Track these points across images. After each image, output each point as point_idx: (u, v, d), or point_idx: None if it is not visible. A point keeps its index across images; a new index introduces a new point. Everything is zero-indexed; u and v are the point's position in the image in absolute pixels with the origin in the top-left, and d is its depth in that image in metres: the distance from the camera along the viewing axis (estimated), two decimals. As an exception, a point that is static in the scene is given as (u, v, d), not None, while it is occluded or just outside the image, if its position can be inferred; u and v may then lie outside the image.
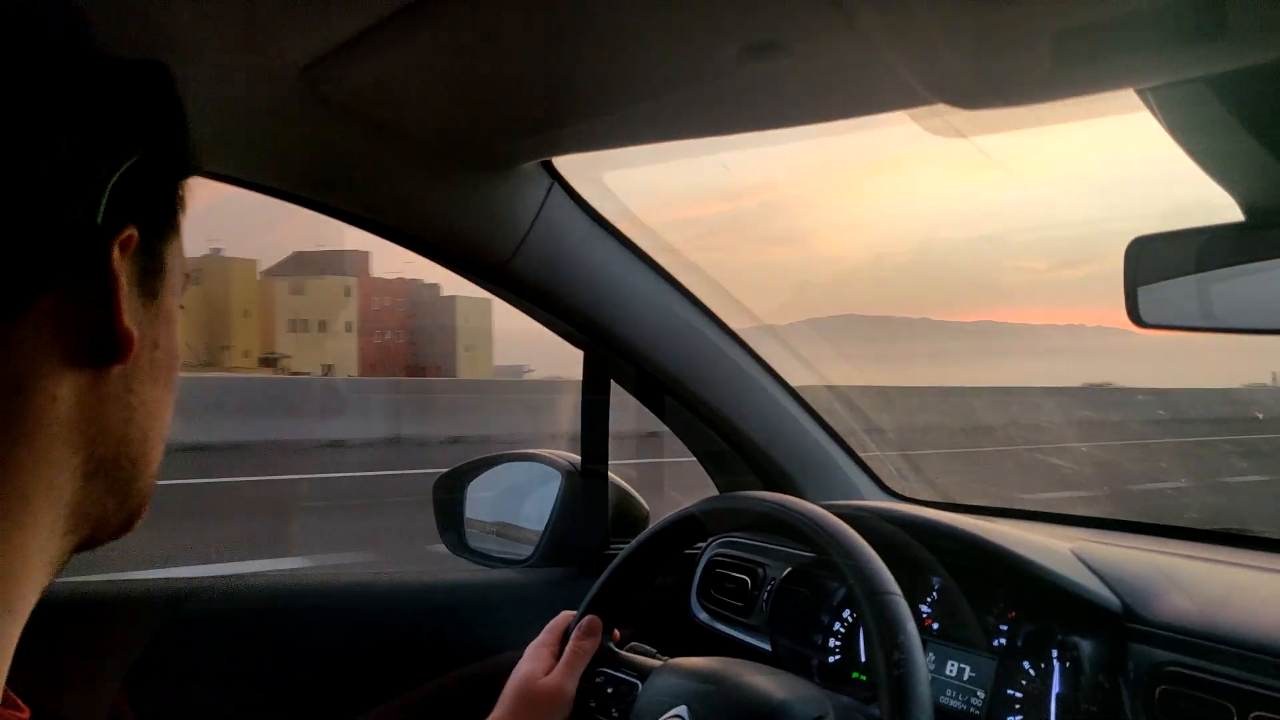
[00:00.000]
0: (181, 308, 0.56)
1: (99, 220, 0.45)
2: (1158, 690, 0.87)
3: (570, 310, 1.20)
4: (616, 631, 0.98)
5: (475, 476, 1.44)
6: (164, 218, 0.52)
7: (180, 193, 0.53)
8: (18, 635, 0.47)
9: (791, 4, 0.61)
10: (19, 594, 0.46)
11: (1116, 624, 0.94)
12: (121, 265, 0.46)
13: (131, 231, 0.47)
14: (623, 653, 0.93)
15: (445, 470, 1.45)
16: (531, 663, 0.97)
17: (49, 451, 0.46)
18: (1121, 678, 0.91)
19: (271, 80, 0.84)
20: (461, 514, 1.42)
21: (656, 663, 0.90)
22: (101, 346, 0.46)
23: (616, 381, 1.34)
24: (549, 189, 1.13)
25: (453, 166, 1.05)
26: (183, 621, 1.07)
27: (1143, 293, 0.79)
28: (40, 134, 0.44)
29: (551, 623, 1.01)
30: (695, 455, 1.42)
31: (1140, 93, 0.58)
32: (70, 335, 0.45)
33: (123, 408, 0.49)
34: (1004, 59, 0.56)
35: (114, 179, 0.46)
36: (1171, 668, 0.87)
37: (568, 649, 0.95)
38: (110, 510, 0.51)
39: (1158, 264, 0.78)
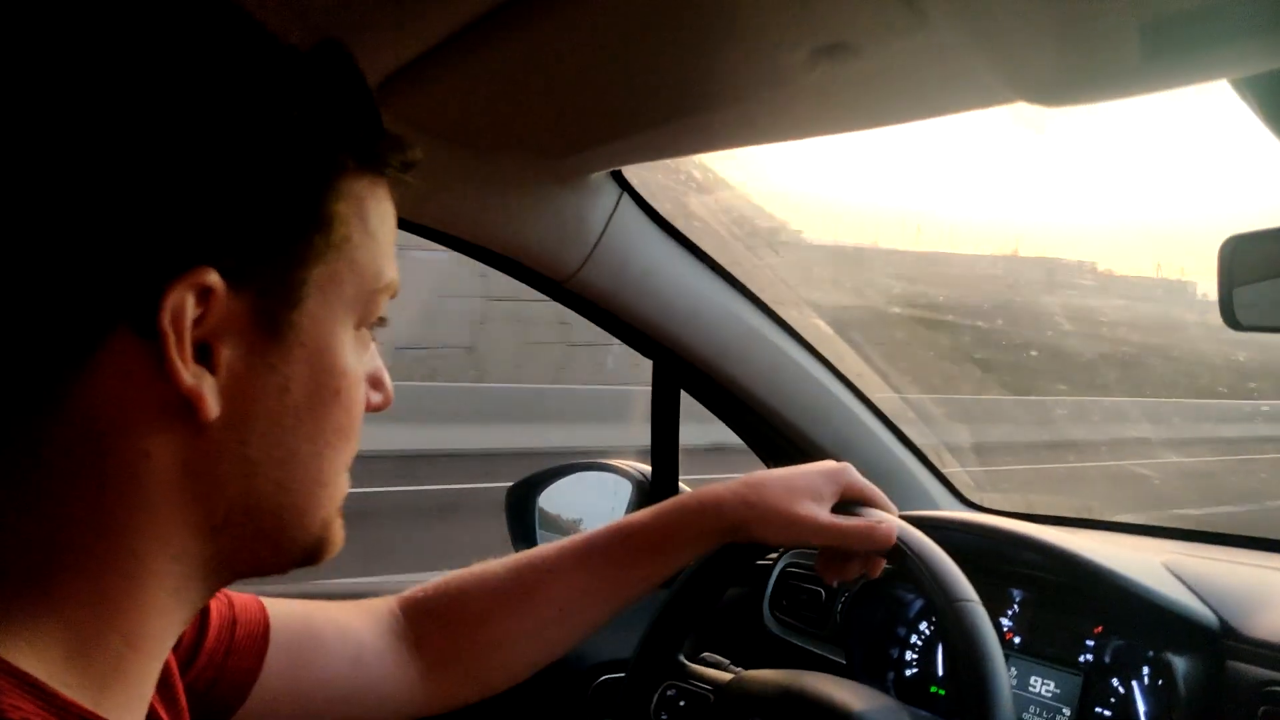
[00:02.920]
0: (381, 321, 0.52)
1: (139, 263, 0.41)
2: (1260, 710, 0.83)
3: (639, 319, 1.20)
4: None
5: (547, 486, 1.45)
6: (290, 239, 0.45)
7: (331, 203, 0.46)
8: (158, 669, 0.47)
9: (863, 4, 0.60)
10: (156, 638, 0.46)
11: (1214, 641, 0.89)
12: (185, 318, 0.41)
13: (204, 278, 0.41)
14: (693, 665, 0.92)
15: (516, 480, 1.46)
16: (824, 484, 0.82)
17: (154, 508, 0.43)
18: (1219, 698, 0.87)
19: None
20: (534, 523, 1.43)
21: (728, 675, 0.89)
22: (175, 407, 0.42)
23: (686, 390, 1.34)
24: (618, 199, 1.13)
25: (524, 179, 1.06)
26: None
27: (1238, 294, 0.76)
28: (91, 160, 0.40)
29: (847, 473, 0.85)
30: (766, 466, 1.41)
31: (1235, 82, 0.55)
32: (148, 390, 0.42)
33: (239, 461, 0.45)
34: (1089, 53, 0.54)
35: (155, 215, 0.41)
36: (1274, 687, 0.83)
37: (860, 523, 0.79)
38: (266, 557, 0.49)
39: (1254, 263, 0.74)
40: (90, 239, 0.40)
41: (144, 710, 0.47)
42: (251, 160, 0.43)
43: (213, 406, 0.43)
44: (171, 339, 0.41)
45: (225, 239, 0.43)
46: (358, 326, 0.50)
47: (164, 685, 0.53)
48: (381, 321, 0.52)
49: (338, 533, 0.51)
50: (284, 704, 0.71)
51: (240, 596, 0.71)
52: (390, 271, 0.51)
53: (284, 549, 0.49)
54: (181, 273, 0.41)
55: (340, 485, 0.51)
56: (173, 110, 0.41)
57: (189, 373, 0.42)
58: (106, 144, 0.40)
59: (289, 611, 0.74)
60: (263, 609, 0.72)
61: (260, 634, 0.70)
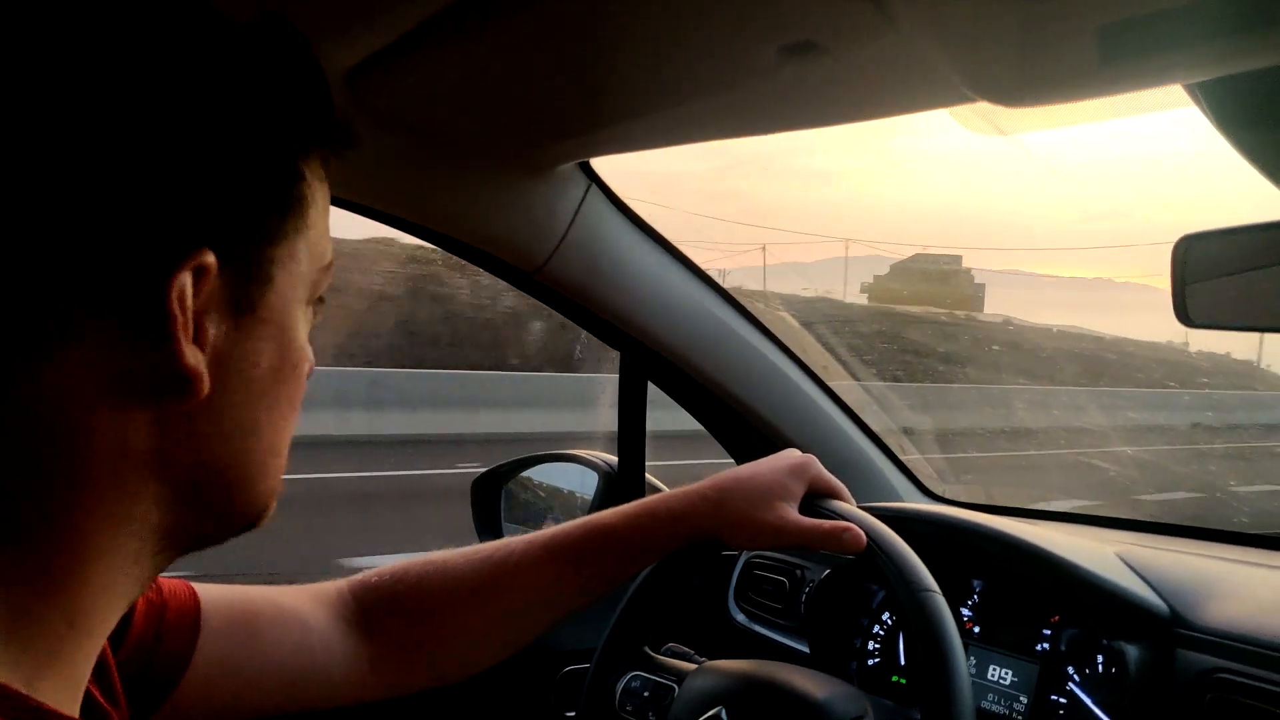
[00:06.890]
0: (321, 300, 0.52)
1: (151, 253, 0.41)
2: (1206, 697, 0.85)
3: (608, 310, 1.20)
4: None
5: (513, 477, 1.45)
6: (265, 217, 0.46)
7: (299, 183, 0.47)
8: (96, 652, 0.47)
9: (830, 4, 0.60)
10: (99, 618, 0.45)
11: (1164, 629, 0.92)
12: (187, 298, 0.41)
13: (203, 259, 0.42)
14: (658, 656, 0.93)
15: (482, 470, 1.46)
16: (792, 481, 0.84)
17: (120, 487, 0.43)
18: (1168, 684, 0.90)
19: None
20: (499, 514, 1.43)
21: (692, 665, 0.90)
22: (164, 385, 0.42)
23: (653, 382, 1.34)
24: (586, 190, 1.13)
25: (493, 170, 1.05)
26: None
27: (1190, 291, 0.78)
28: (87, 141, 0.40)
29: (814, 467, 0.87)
30: (732, 457, 1.42)
31: (1188, 87, 0.57)
32: (126, 375, 0.42)
33: (206, 436, 0.45)
34: (1048, 55, 0.56)
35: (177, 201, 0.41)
36: (1221, 674, 0.85)
37: (830, 526, 0.80)
38: (212, 528, 0.49)
39: (1206, 262, 0.77)
40: (96, 225, 0.40)
41: (80, 694, 0.46)
42: (239, 143, 0.44)
43: (207, 384, 0.43)
44: (179, 320, 0.41)
45: (220, 220, 0.43)
46: (307, 303, 0.51)
47: (100, 671, 0.52)
48: (321, 300, 0.53)
49: (274, 502, 0.52)
50: (223, 688, 0.70)
51: (169, 581, 0.70)
52: (330, 250, 0.52)
53: (233, 517, 0.49)
54: (187, 255, 0.41)
55: (285, 456, 0.51)
56: (165, 99, 0.41)
57: (191, 352, 0.42)
58: (109, 136, 0.40)
59: (224, 596, 0.72)
60: (193, 594, 0.70)
61: (190, 619, 0.69)
